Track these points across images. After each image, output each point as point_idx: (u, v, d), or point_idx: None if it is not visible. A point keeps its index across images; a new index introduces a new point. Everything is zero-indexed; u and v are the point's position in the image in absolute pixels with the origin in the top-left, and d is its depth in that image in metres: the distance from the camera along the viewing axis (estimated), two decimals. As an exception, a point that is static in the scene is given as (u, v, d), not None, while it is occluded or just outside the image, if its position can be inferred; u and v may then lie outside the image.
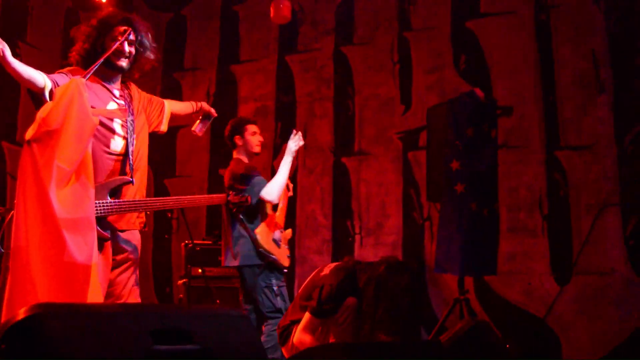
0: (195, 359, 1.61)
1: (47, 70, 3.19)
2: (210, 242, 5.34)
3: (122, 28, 2.79)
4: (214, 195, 3.42)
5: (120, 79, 2.86)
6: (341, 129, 6.03)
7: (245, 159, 3.93)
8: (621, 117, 4.84)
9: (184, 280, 5.20)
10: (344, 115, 5.97)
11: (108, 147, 2.74)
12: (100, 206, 2.67)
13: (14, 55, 2.66)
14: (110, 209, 2.71)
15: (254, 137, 3.98)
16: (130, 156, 2.80)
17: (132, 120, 2.85)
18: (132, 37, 2.80)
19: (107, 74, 2.78)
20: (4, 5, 5.74)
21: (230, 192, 3.27)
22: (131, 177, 2.74)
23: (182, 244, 5.36)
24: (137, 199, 2.89)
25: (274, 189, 3.85)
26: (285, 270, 4.02)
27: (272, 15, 5.62)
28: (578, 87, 5.03)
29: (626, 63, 4.85)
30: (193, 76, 6.81)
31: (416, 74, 5.67)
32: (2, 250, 3.62)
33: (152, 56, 2.89)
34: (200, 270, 5.12)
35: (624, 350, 4.59)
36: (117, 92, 2.84)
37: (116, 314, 1.63)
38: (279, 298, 3.87)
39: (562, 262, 4.92)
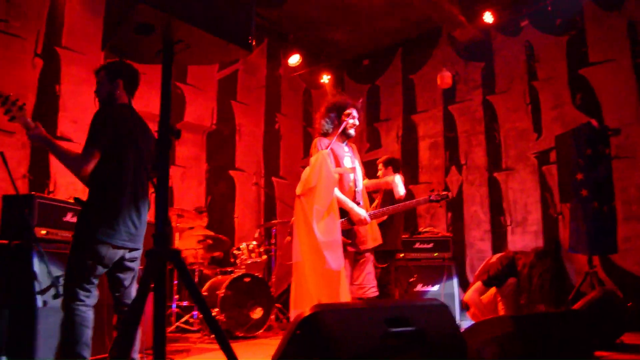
0: (412, 337, 2.01)
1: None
2: (407, 234, 6.20)
3: (349, 110, 3.72)
4: (420, 199, 4.19)
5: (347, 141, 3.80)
6: (492, 153, 7.25)
7: None
8: None
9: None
10: (492, 144, 7.25)
11: (353, 195, 3.69)
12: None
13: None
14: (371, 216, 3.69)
15: None
16: (359, 194, 3.72)
17: (357, 168, 3.79)
18: (356, 114, 3.75)
19: (342, 138, 3.71)
20: (267, 94, 8.19)
21: (431, 193, 4.00)
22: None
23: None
24: (375, 210, 3.93)
25: None
26: None
27: (438, 83, 7.22)
28: (670, 109, 5.91)
29: None
30: (387, 124, 8.44)
31: (544, 110, 6.87)
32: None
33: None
34: (401, 255, 6.03)
35: None
36: (347, 149, 3.76)
37: (364, 309, 2.08)
38: None
39: (669, 240, 5.71)
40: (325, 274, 3.20)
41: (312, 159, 3.50)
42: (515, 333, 2.77)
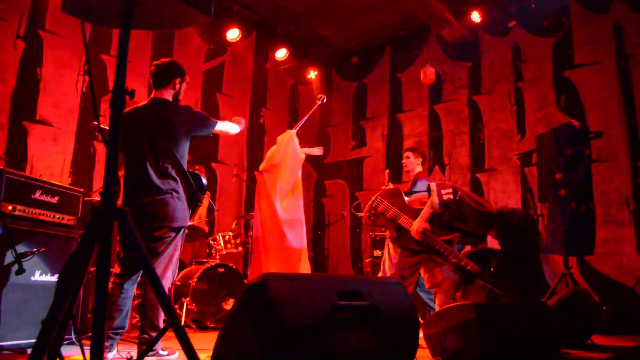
0: (365, 311, 1.97)
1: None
2: (386, 233, 6.08)
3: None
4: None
5: None
6: (475, 154, 7.21)
7: None
8: (690, 133, 5.57)
9: (370, 259, 6.22)
10: (476, 144, 7.20)
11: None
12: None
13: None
14: None
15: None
16: None
17: None
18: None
19: None
20: (253, 87, 8.09)
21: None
22: None
23: (367, 235, 6.32)
24: None
25: None
26: None
27: (421, 78, 7.19)
28: (654, 112, 5.79)
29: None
30: (372, 122, 8.38)
31: (528, 111, 6.82)
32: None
33: None
34: (380, 252, 5.84)
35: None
36: None
37: (314, 279, 2.01)
38: None
39: (647, 245, 5.60)
40: (285, 250, 3.16)
41: (280, 138, 3.45)
42: (476, 320, 2.69)
